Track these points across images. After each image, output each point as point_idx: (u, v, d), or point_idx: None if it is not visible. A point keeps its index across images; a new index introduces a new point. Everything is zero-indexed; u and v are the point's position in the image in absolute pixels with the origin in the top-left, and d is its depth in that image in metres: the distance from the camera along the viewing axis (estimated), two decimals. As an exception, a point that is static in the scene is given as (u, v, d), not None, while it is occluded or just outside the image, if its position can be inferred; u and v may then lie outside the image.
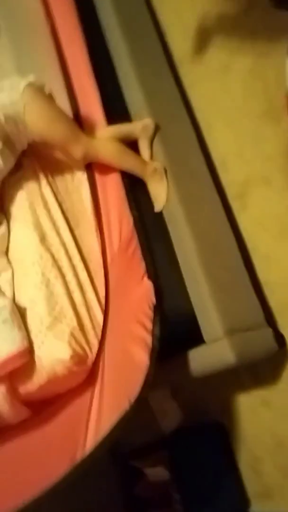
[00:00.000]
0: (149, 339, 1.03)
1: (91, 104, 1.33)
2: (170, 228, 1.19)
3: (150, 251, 1.13)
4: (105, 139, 1.24)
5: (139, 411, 1.04)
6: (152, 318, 1.05)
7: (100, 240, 1.17)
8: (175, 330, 1.07)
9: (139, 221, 1.16)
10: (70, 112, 1.35)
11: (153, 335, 1.03)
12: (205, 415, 1.36)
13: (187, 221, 1.15)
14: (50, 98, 1.24)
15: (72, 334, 1.03)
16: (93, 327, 1.07)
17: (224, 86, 1.33)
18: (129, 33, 1.42)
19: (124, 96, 1.40)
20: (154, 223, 1.19)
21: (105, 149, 1.23)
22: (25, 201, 1.19)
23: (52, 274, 1.09)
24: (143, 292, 1.08)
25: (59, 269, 1.10)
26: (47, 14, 1.54)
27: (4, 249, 1.17)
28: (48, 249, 1.12)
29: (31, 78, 1.20)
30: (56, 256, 1.11)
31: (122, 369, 1.03)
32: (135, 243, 1.13)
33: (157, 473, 1.35)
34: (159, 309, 1.06)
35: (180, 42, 1.49)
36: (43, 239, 1.13)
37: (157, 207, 1.21)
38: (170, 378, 1.14)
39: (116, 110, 1.34)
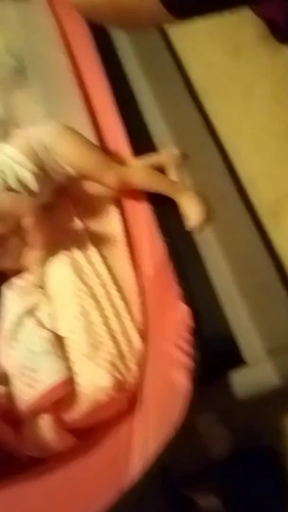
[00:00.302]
0: (188, 362, 1.02)
1: (117, 140, 1.39)
2: (202, 251, 1.20)
3: (183, 275, 1.14)
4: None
5: (187, 437, 1.03)
6: (190, 341, 1.05)
7: (133, 268, 1.20)
8: (214, 352, 1.07)
9: (171, 246, 1.18)
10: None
11: (192, 358, 1.03)
12: (257, 439, 1.31)
13: (220, 243, 1.16)
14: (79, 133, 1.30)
15: (112, 361, 1.05)
16: (132, 353, 1.08)
17: (247, 110, 1.35)
18: (149, 69, 1.50)
19: (149, 129, 1.45)
20: (186, 247, 1.20)
21: (138, 174, 1.28)
22: (57, 236, 1.23)
23: (89, 304, 1.12)
24: (179, 316, 1.09)
25: (95, 299, 1.13)
26: (72, 60, 1.64)
27: (42, 283, 1.22)
28: (83, 280, 1.15)
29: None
30: (91, 286, 1.15)
31: (163, 394, 1.02)
32: (168, 268, 1.15)
33: (209, 503, 1.31)
34: (196, 332, 1.06)
35: (199, 73, 1.54)
36: (78, 271, 1.17)
37: (191, 225, 1.23)
38: (215, 402, 1.12)
39: (141, 144, 1.39)
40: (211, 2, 0.42)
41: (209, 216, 1.22)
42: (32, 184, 1.16)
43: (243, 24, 1.34)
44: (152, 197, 1.29)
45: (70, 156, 1.23)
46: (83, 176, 1.30)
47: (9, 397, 1.06)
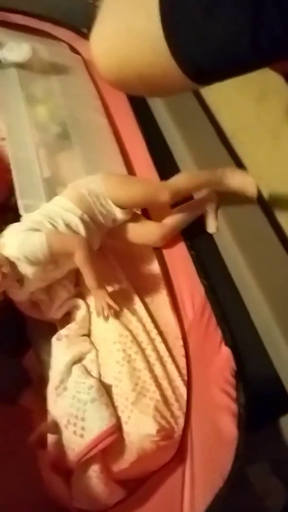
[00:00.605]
0: (234, 407, 1.00)
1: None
2: (242, 293, 1.19)
3: (224, 318, 1.13)
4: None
5: (239, 489, 0.98)
6: (235, 385, 1.02)
7: (174, 312, 1.20)
8: (261, 396, 1.03)
9: (210, 289, 1.19)
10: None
11: (238, 403, 1.00)
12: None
13: (259, 284, 1.15)
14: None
15: (156, 408, 1.04)
16: (177, 399, 1.07)
17: (276, 151, 1.37)
18: (180, 118, 1.58)
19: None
20: (225, 290, 1.20)
21: (182, 180, 1.34)
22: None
23: (133, 350, 1.13)
24: (222, 359, 1.07)
25: (139, 345, 1.14)
26: (110, 121, 1.76)
27: (87, 331, 1.25)
28: (126, 327, 1.17)
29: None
30: (134, 332, 1.16)
31: (211, 442, 0.99)
32: (208, 311, 1.15)
33: None
34: (241, 375, 1.03)
35: (228, 119, 1.59)
36: (121, 317, 1.19)
37: (252, 194, 1.34)
38: (266, 450, 1.07)
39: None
40: (232, 71, 0.44)
41: (247, 255, 1.22)
42: (80, 228, 1.22)
43: (267, 71, 1.39)
44: (189, 239, 1.32)
45: (118, 193, 1.29)
46: (139, 205, 1.39)
47: (59, 447, 1.08)
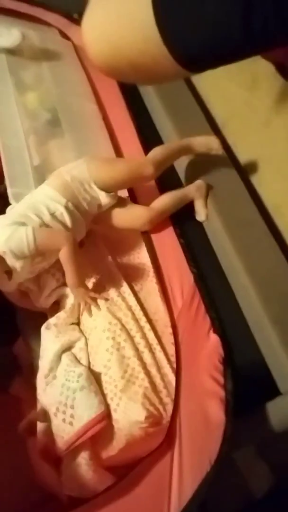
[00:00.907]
0: (222, 393, 1.00)
1: (148, 186, 1.44)
2: (230, 280, 1.19)
3: (213, 306, 1.13)
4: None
5: (226, 473, 0.98)
6: (223, 371, 1.02)
7: (163, 300, 1.20)
8: (248, 382, 1.04)
9: (199, 277, 1.18)
10: (125, 190, 1.45)
11: (226, 389, 1.00)
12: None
13: (247, 271, 1.15)
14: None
15: (145, 395, 1.03)
16: (165, 386, 1.07)
17: (268, 139, 1.35)
18: (171, 105, 1.56)
19: (175, 166, 1.48)
20: (214, 277, 1.20)
21: (159, 152, 1.36)
22: (89, 272, 1.27)
23: (122, 338, 1.12)
24: (211, 346, 1.07)
25: (128, 333, 1.13)
26: (100, 107, 1.74)
27: (76, 320, 1.24)
28: (115, 315, 1.16)
29: None
30: (123, 320, 1.16)
31: (199, 428, 1.00)
32: (197, 299, 1.14)
33: None
34: (229, 362, 1.03)
35: (220, 107, 1.57)
36: (110, 305, 1.18)
37: (217, 150, 1.39)
38: (252, 434, 1.07)
39: (168, 180, 1.43)
40: (223, 58, 0.43)
41: (236, 242, 1.21)
42: (66, 217, 1.21)
43: (258, 59, 1.37)
44: (179, 227, 1.31)
45: (102, 175, 1.28)
46: (125, 185, 1.38)
47: (48, 434, 1.08)
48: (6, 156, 1.49)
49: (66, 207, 1.21)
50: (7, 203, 1.34)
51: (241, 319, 1.12)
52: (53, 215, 1.20)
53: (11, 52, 1.75)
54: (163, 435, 1.04)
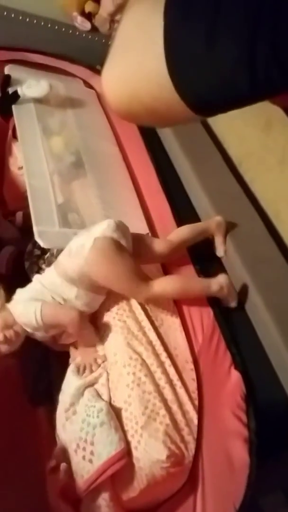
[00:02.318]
0: (246, 433, 0.94)
1: (164, 217, 1.44)
2: (250, 315, 1.15)
3: (234, 341, 1.09)
4: (165, 279, 1.24)
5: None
6: (246, 410, 0.97)
7: (184, 335, 1.16)
8: (273, 421, 0.98)
9: (219, 312, 1.15)
10: (146, 227, 1.45)
11: (249, 428, 0.95)
12: None
13: (267, 308, 1.11)
14: (116, 250, 1.16)
15: (166, 433, 0.98)
16: (187, 424, 1.02)
17: (284, 176, 1.34)
18: (188, 147, 1.58)
19: (193, 203, 1.49)
20: (234, 313, 1.16)
21: (166, 292, 1.21)
22: (112, 309, 1.25)
23: (142, 373, 1.08)
24: (233, 383, 1.02)
25: (148, 368, 1.10)
26: (121, 150, 1.77)
27: (98, 356, 1.21)
28: (136, 350, 1.13)
29: (104, 228, 1.18)
30: (144, 355, 1.12)
31: (222, 469, 0.94)
32: (217, 334, 1.11)
33: None
34: (251, 400, 0.98)
35: (235, 147, 1.58)
36: (130, 339, 1.16)
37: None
38: (281, 479, 1.00)
39: (186, 217, 1.42)
40: (231, 105, 0.46)
41: (255, 278, 1.18)
42: (78, 303, 1.19)
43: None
44: (198, 263, 1.29)
45: (100, 283, 1.19)
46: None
47: (68, 473, 1.03)
48: (33, 196, 1.51)
49: (77, 296, 1.19)
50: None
51: (262, 355, 1.08)
52: (66, 300, 1.20)
53: (39, 101, 1.82)
54: (185, 476, 0.98)
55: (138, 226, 1.49)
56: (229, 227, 1.34)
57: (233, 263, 1.28)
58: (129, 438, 1.02)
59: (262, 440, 0.91)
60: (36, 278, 1.25)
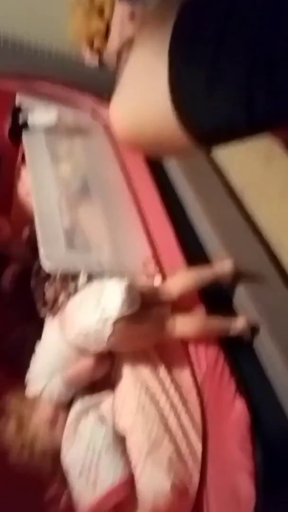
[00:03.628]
0: (251, 465, 0.91)
1: (168, 241, 1.43)
2: (255, 344, 1.13)
3: (238, 369, 1.07)
4: (184, 322, 1.17)
5: None
6: (251, 441, 0.94)
7: (189, 364, 1.14)
8: (279, 452, 0.95)
9: (223, 340, 1.13)
10: (149, 251, 1.44)
11: (255, 461, 0.92)
12: None
13: (271, 336, 1.09)
14: (134, 322, 1.10)
15: (171, 462, 0.95)
16: (191, 454, 0.99)
17: (285, 207, 1.35)
18: (193, 178, 1.58)
19: (197, 232, 1.49)
20: (238, 341, 1.14)
21: (185, 334, 1.17)
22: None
23: (147, 400, 1.06)
24: (237, 413, 1.00)
25: (152, 395, 1.07)
26: (127, 177, 1.78)
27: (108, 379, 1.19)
28: (141, 375, 1.11)
29: (118, 306, 1.07)
30: (148, 382, 1.10)
31: (227, 502, 0.90)
32: (221, 362, 1.09)
33: None
34: (257, 431, 0.96)
35: (237, 178, 1.60)
36: (136, 366, 1.13)
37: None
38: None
39: (189, 242, 1.42)
40: (231, 138, 0.48)
41: (260, 307, 1.17)
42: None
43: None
44: (204, 294, 1.27)
45: (128, 350, 1.17)
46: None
47: (71, 498, 0.99)
48: (40, 219, 1.52)
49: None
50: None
51: (267, 384, 1.05)
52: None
53: (48, 129, 1.84)
54: (190, 508, 0.94)
55: (141, 250, 1.49)
56: (233, 257, 1.32)
57: (236, 292, 1.26)
58: (133, 465, 0.99)
59: (268, 473, 0.88)
60: (38, 353, 1.19)
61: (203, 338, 1.15)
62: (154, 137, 0.50)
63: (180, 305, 1.23)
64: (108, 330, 1.05)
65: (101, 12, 2.16)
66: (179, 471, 0.96)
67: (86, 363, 1.13)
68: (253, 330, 1.17)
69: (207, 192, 1.53)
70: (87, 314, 1.08)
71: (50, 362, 1.14)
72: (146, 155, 1.77)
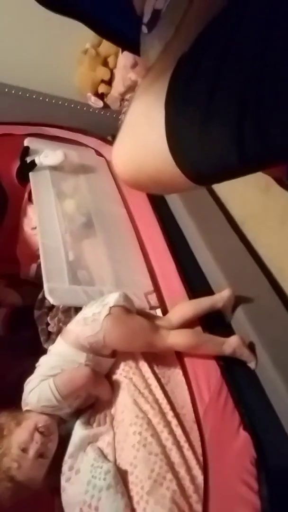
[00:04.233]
0: (257, 501, 0.87)
1: (170, 273, 1.45)
2: (259, 374, 1.10)
3: (242, 400, 1.04)
4: (179, 333, 1.19)
5: None
6: (256, 475, 0.90)
7: (191, 393, 1.11)
8: (285, 487, 0.90)
9: (226, 370, 1.11)
10: (150, 284, 1.45)
11: (261, 497, 0.87)
12: None
13: (275, 365, 1.07)
14: (129, 314, 1.20)
15: (173, 500, 0.91)
16: (195, 491, 0.94)
17: (285, 235, 1.36)
18: (193, 209, 1.61)
19: (198, 261, 1.49)
20: (242, 371, 1.12)
21: (178, 345, 1.18)
22: (119, 366, 1.22)
23: (148, 433, 1.03)
24: (241, 445, 0.96)
25: (154, 428, 1.04)
26: (129, 213, 1.83)
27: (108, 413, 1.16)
28: (142, 408, 1.08)
29: (116, 298, 1.20)
30: (150, 414, 1.07)
31: None
32: (225, 393, 1.06)
33: None
34: (262, 464, 0.92)
35: (237, 208, 1.62)
36: (137, 398, 1.11)
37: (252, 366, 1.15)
38: None
39: (191, 274, 1.43)
40: (226, 177, 0.53)
41: (261, 335, 1.15)
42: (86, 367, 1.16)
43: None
44: (205, 322, 1.26)
45: (118, 348, 1.21)
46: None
47: None
48: (45, 254, 1.55)
49: (87, 360, 1.16)
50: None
51: (272, 415, 1.02)
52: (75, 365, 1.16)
53: (54, 168, 1.92)
54: None
55: (143, 283, 1.50)
56: (234, 284, 1.32)
57: (238, 320, 1.25)
58: (135, 504, 0.95)
59: (274, 509, 0.83)
60: (41, 361, 1.20)
61: (202, 364, 1.13)
62: (154, 178, 0.54)
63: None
64: (104, 312, 1.16)
65: (105, 61, 2.32)
66: (183, 509, 0.91)
67: (82, 371, 1.13)
68: (251, 346, 1.15)
69: (208, 222, 1.56)
70: (89, 308, 1.22)
71: (47, 364, 1.16)
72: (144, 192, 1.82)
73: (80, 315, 1.22)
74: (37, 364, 1.20)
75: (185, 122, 0.49)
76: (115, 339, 1.17)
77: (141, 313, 1.27)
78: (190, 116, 0.48)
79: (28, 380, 1.16)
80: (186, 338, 1.17)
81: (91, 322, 1.17)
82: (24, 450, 1.04)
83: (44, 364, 1.19)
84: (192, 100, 0.48)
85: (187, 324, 1.24)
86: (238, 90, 0.45)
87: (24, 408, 1.14)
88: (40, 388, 1.11)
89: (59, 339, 1.22)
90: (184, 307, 1.26)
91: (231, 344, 1.15)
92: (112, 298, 1.21)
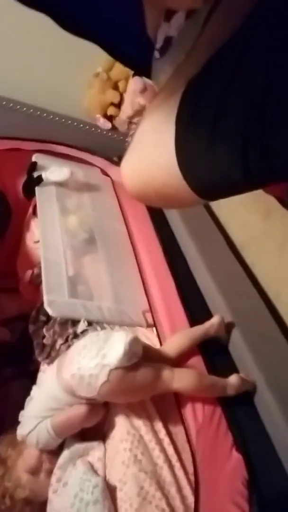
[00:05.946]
0: (247, 524, 0.86)
1: (168, 291, 1.46)
2: (253, 396, 1.11)
3: (235, 421, 1.04)
4: (183, 377, 1.11)
5: None
6: (248, 497, 0.89)
7: (183, 413, 1.11)
8: (277, 510, 0.89)
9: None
10: (146, 303, 1.47)
11: (251, 519, 0.86)
12: None
13: (270, 388, 1.07)
14: (130, 373, 1.05)
15: (162, 519, 0.90)
16: (185, 510, 0.93)
17: (283, 260, 1.39)
18: (194, 232, 1.64)
19: (197, 281, 1.52)
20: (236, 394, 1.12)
21: (183, 385, 1.10)
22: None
23: (139, 450, 1.02)
24: (233, 466, 0.95)
25: (146, 445, 1.04)
26: (131, 231, 1.86)
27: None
28: (134, 425, 1.08)
29: (120, 356, 1.03)
30: (142, 431, 1.06)
31: None
32: (219, 413, 1.06)
33: None
34: (254, 486, 0.91)
35: (237, 232, 1.66)
36: (129, 414, 1.11)
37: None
38: None
39: (189, 291, 1.45)
40: (230, 192, 0.55)
41: (257, 358, 1.16)
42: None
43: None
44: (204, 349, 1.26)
45: (114, 400, 1.14)
46: None
47: None
48: (46, 267, 1.57)
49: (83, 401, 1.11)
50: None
51: (264, 437, 1.01)
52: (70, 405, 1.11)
53: (60, 184, 1.97)
54: None
55: (141, 301, 1.52)
56: (231, 308, 1.33)
57: (234, 343, 1.26)
58: (123, 521, 0.93)
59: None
60: (33, 395, 1.15)
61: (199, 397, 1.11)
62: (161, 191, 0.57)
63: (180, 359, 1.20)
64: (103, 377, 1.01)
65: (116, 85, 2.41)
66: (171, 529, 0.90)
67: (78, 411, 1.08)
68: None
69: (208, 245, 1.58)
70: (87, 357, 1.05)
71: (43, 404, 1.11)
72: (151, 208, 1.87)
73: (75, 364, 1.06)
74: (28, 398, 1.15)
75: (193, 139, 0.52)
76: (113, 401, 1.13)
77: (145, 350, 1.12)
78: (198, 135, 0.52)
79: (21, 413, 1.12)
80: (190, 384, 1.09)
81: (86, 385, 1.03)
82: (35, 473, 1.05)
83: (38, 401, 1.13)
84: (201, 120, 0.51)
85: (186, 354, 1.21)
86: (243, 113, 0.48)
87: (19, 428, 1.11)
88: (38, 431, 1.08)
89: (53, 380, 1.10)
90: (179, 339, 1.23)
91: (233, 386, 1.11)
92: (115, 357, 1.03)
